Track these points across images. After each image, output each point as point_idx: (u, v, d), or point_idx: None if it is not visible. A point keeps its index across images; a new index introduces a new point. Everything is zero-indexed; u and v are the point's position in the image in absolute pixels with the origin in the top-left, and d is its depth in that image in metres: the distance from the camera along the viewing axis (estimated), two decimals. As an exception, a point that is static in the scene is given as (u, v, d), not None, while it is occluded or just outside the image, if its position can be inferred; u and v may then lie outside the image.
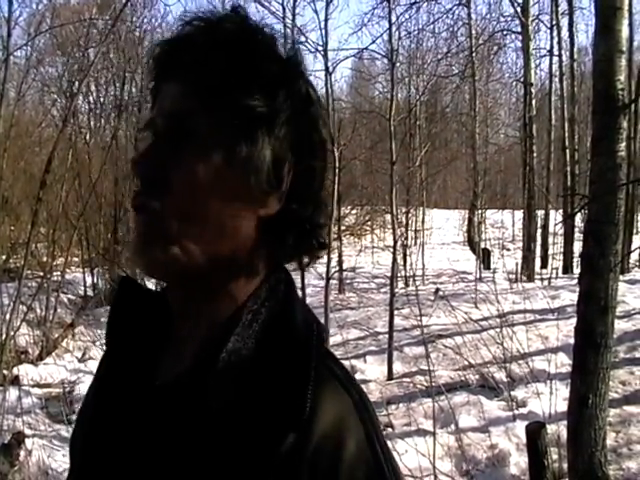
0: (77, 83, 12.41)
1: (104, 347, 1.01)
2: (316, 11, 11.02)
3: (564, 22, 17.79)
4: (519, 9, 16.17)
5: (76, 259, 13.10)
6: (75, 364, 8.56)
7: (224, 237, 0.87)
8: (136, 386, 0.90)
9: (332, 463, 0.79)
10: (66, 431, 6.08)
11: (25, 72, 14.88)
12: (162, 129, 0.88)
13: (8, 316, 5.76)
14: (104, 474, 0.89)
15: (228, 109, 0.86)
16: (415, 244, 17.44)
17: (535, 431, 4.88)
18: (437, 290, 11.60)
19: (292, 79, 0.90)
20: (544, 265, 16.36)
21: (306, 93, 0.92)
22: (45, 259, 11.35)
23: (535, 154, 16.01)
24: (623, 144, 3.73)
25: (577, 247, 15.57)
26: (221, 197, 0.86)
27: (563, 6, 17.70)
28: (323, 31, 10.39)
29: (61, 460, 5.41)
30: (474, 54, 17.34)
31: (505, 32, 18.57)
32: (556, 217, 17.32)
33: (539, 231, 16.59)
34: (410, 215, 17.21)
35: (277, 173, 0.88)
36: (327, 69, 10.17)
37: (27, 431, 5.75)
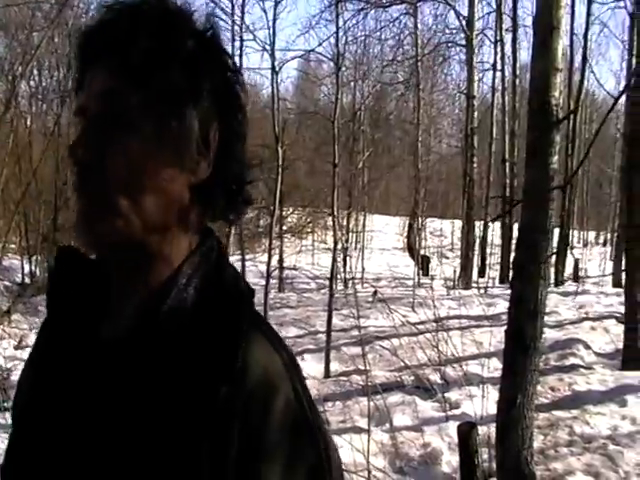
0: (20, 67, 12.15)
1: (45, 314, 1.04)
2: (264, 10, 11.09)
3: (508, 38, 18.22)
4: (464, 22, 16.47)
5: (13, 246, 12.84)
6: (11, 351, 8.42)
7: (160, 207, 0.91)
8: (78, 346, 0.94)
9: (262, 414, 0.84)
10: (2, 418, 5.97)
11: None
12: (92, 112, 0.91)
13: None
14: (50, 433, 0.92)
15: (153, 87, 0.90)
16: (355, 248, 17.61)
17: (466, 431, 5.00)
18: (375, 292, 11.73)
19: (210, 51, 0.95)
20: (482, 274, 16.68)
21: (224, 62, 0.97)
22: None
23: (476, 165, 16.30)
24: (556, 157, 3.87)
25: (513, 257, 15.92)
26: (155, 171, 0.90)
27: (507, 22, 18.11)
28: (271, 30, 10.45)
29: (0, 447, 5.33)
30: (419, 63, 17.59)
31: (450, 44, 18.90)
32: (494, 227, 17.67)
33: (477, 241, 16.90)
34: (351, 218, 17.36)
35: (205, 140, 0.94)
36: (274, 68, 10.23)
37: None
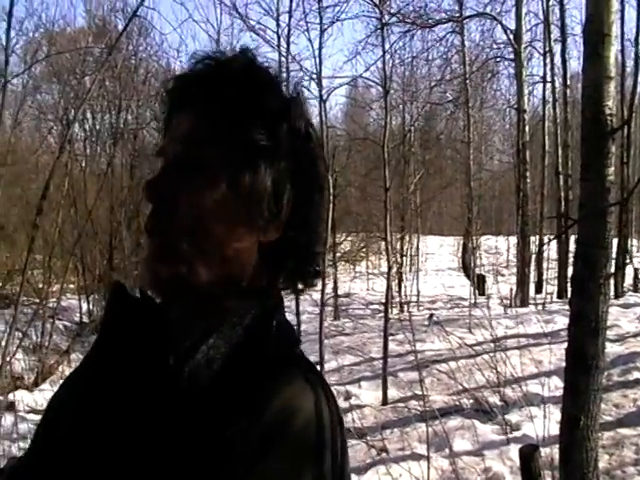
0: (73, 111, 12.48)
1: (95, 341, 1.07)
2: (310, 40, 11.16)
3: (557, 49, 17.94)
4: (512, 36, 16.30)
5: (72, 286, 13.11)
6: (70, 390, 8.55)
7: (226, 260, 0.95)
8: (125, 375, 0.96)
9: (272, 438, 0.84)
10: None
11: (22, 99, 14.99)
12: (172, 156, 0.96)
13: (4, 342, 5.75)
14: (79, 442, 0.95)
15: (234, 140, 0.94)
16: (410, 270, 17.49)
17: (529, 454, 4.87)
18: (431, 315, 11.62)
19: (293, 117, 0.98)
20: (538, 290, 16.39)
21: (305, 131, 1.00)
22: (41, 286, 11.36)
23: (529, 180, 16.06)
24: (612, 168, 3.75)
25: (571, 272, 15.59)
26: (225, 222, 0.94)
27: (556, 33, 17.84)
28: (317, 59, 10.49)
29: (56, 486, 5.39)
30: (468, 81, 17.47)
31: (498, 59, 18.71)
32: (550, 243, 17.37)
33: (533, 256, 16.63)
34: (405, 241, 17.27)
35: (277, 203, 0.96)
36: (321, 97, 10.27)
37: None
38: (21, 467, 1.05)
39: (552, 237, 15.30)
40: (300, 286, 1.05)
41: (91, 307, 12.44)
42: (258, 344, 0.94)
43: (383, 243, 19.54)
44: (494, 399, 6.91)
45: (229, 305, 0.96)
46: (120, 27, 15.61)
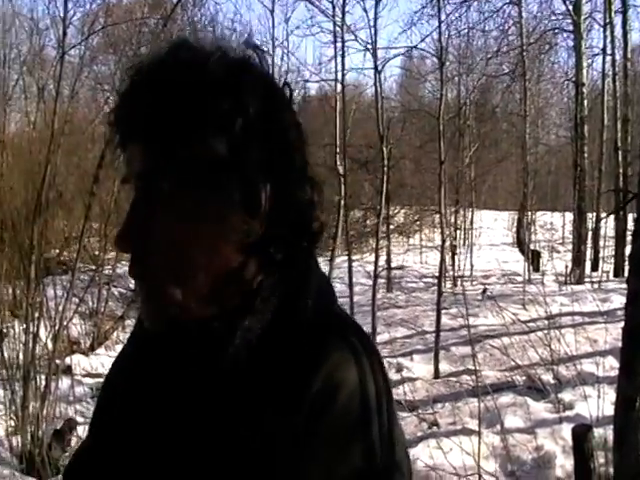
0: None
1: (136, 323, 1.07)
2: (365, 9, 11.04)
3: (617, 20, 17.40)
4: (571, 7, 15.89)
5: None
6: (125, 355, 8.71)
7: (213, 281, 0.90)
8: (165, 356, 0.95)
9: (318, 417, 0.83)
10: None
11: (79, 70, 15.13)
12: (135, 192, 0.90)
13: (61, 307, 5.87)
14: (126, 434, 0.96)
15: (188, 161, 0.86)
16: (464, 244, 17.33)
17: (582, 434, 4.81)
18: (485, 290, 11.51)
19: (247, 105, 0.88)
20: (595, 268, 16.10)
21: (269, 107, 0.90)
22: (97, 253, 11.55)
23: (586, 155, 15.73)
24: None
25: (629, 250, 15.24)
26: (203, 248, 0.88)
27: (617, 4, 17.26)
28: (372, 29, 10.38)
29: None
30: (525, 53, 17.10)
31: (557, 31, 18.24)
32: (607, 219, 17.02)
33: (590, 233, 16.33)
34: (459, 215, 17.10)
35: (253, 203, 0.89)
36: (376, 67, 10.17)
37: (78, 419, 5.87)
38: (81, 457, 1.07)
39: (609, 212, 14.98)
40: (306, 243, 0.97)
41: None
42: (292, 313, 0.91)
43: (437, 216, 19.43)
44: (547, 377, 6.83)
45: (237, 304, 0.92)
46: (174, -2, 15.70)
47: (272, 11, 17.94)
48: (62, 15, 5.70)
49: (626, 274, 13.07)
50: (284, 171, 0.91)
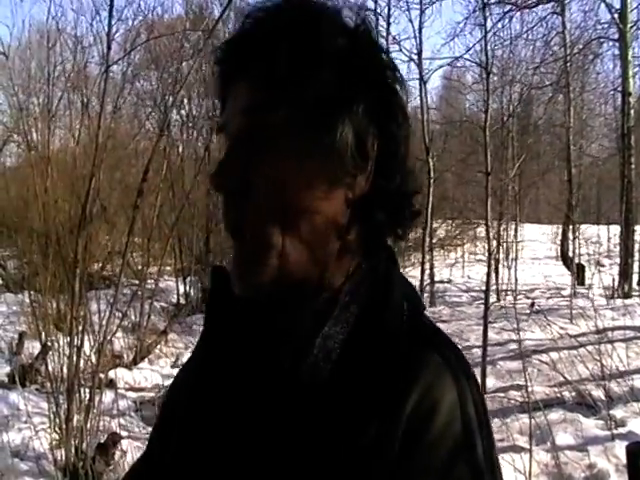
0: (171, 97, 12.66)
1: (203, 332, 1.01)
2: (411, 20, 11.02)
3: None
4: (617, 15, 15.65)
5: (168, 268, 13.35)
6: (168, 369, 8.72)
7: (317, 232, 0.85)
8: (237, 370, 0.90)
9: (419, 434, 0.77)
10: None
11: (121, 86, 15.33)
12: (236, 130, 0.86)
13: (105, 321, 5.89)
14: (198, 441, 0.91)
15: (301, 97, 0.83)
16: (506, 258, 17.11)
17: (636, 451, 4.67)
18: (533, 304, 11.32)
19: (362, 50, 0.87)
20: (641, 282, 15.79)
21: (379, 60, 0.89)
22: (140, 267, 11.63)
23: (633, 166, 15.46)
24: None
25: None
26: (307, 193, 0.84)
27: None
28: (417, 39, 10.36)
29: (154, 463, 5.50)
30: (568, 64, 16.90)
31: (602, 40, 17.98)
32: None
33: (637, 246, 16.02)
34: (502, 228, 16.90)
35: (361, 151, 0.86)
36: (422, 78, 10.12)
37: (122, 432, 5.87)
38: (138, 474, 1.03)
39: None
40: (399, 232, 0.94)
41: (187, 289, 12.67)
42: (378, 322, 0.85)
43: (478, 230, 19.22)
44: (598, 393, 6.67)
45: (332, 280, 0.88)
46: (216, 13, 15.81)
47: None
48: (106, 31, 5.73)
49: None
50: (389, 124, 0.88)
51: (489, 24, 11.66)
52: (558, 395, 6.88)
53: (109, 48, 5.75)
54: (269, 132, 0.83)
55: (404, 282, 0.93)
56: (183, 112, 17.46)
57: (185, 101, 17.17)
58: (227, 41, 0.90)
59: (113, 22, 5.69)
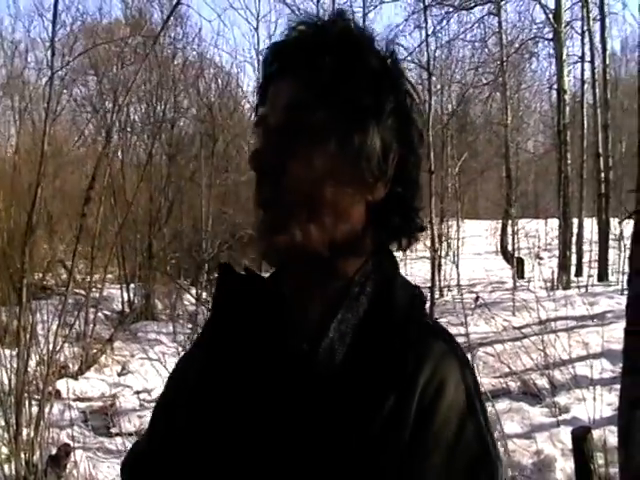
0: (119, 100, 12.43)
1: (210, 321, 1.08)
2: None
3: (596, 28, 17.57)
4: (551, 16, 16.01)
5: (110, 275, 13.14)
6: (115, 378, 8.62)
7: (339, 221, 0.95)
8: (250, 358, 0.97)
9: (430, 407, 0.88)
10: (109, 443, 6.12)
11: (60, 92, 15.08)
12: (277, 123, 0.95)
13: (53, 332, 5.82)
14: (212, 429, 0.96)
15: (340, 102, 0.94)
16: (447, 254, 17.32)
17: (581, 436, 4.82)
18: (477, 298, 11.48)
19: (394, 75, 0.99)
20: (578, 273, 16.17)
21: (405, 87, 1.01)
22: (83, 276, 11.46)
23: (569, 161, 15.83)
24: None
25: (612, 254, 15.37)
26: (336, 183, 0.94)
27: (595, 11, 17.40)
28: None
29: (106, 471, 5.46)
30: (505, 63, 17.22)
31: (537, 39, 18.40)
32: (592, 225, 17.14)
33: (574, 239, 16.41)
34: (443, 225, 17.11)
35: (385, 160, 0.96)
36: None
37: (71, 443, 5.79)
38: (144, 457, 1.07)
39: (628, 215, 14.87)
40: (404, 243, 1.04)
41: (132, 296, 12.50)
42: (386, 311, 0.95)
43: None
44: (542, 382, 6.85)
45: (346, 270, 0.98)
46: (156, 17, 15.68)
47: (256, 29, 18.13)
48: (50, 36, 5.68)
49: (610, 278, 13.15)
50: (409, 141, 1.00)
51: (432, 25, 11.83)
52: (504, 385, 7.03)
53: (53, 54, 5.74)
54: (307, 129, 0.93)
55: (407, 281, 1.02)
56: (122, 118, 17.27)
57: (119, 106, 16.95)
58: (277, 41, 1.01)
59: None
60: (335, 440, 0.87)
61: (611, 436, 4.78)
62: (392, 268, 1.02)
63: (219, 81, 16.81)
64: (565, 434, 5.29)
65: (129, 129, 16.89)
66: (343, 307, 0.94)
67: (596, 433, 4.96)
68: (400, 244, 1.04)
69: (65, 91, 17.22)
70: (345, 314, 0.94)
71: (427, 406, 0.87)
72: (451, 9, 15.76)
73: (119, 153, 15.63)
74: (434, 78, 15.96)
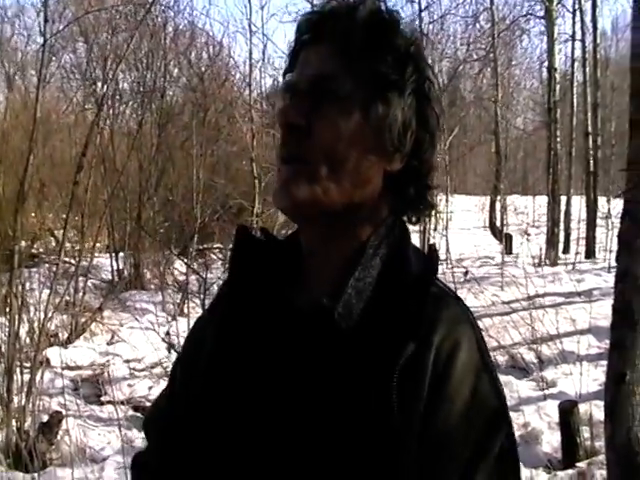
0: (113, 67, 12.26)
1: (225, 284, 1.13)
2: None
3: (587, 6, 17.54)
4: (543, -8, 15.93)
5: (98, 244, 13.06)
6: (104, 347, 8.60)
7: (358, 184, 0.99)
8: (270, 313, 1.02)
9: (447, 366, 0.93)
10: (100, 411, 6.14)
11: (49, 59, 14.90)
12: (306, 87, 1.00)
13: (45, 299, 5.80)
14: (228, 390, 1.01)
15: (367, 73, 0.98)
16: (435, 229, 17.33)
17: (567, 409, 4.91)
18: (467, 272, 11.53)
19: (417, 58, 1.04)
20: (566, 250, 16.26)
21: (427, 74, 1.05)
22: (72, 245, 11.40)
23: (559, 139, 15.86)
24: None
25: (599, 232, 15.46)
26: (358, 149, 0.98)
27: (587, -11, 17.40)
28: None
29: (97, 439, 5.48)
30: (496, 39, 17.17)
31: (528, 16, 18.35)
32: (580, 203, 17.21)
33: (562, 216, 16.48)
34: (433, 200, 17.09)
35: (404, 134, 1.01)
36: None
37: (62, 411, 5.80)
38: (165, 416, 1.14)
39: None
40: (414, 218, 1.10)
41: (121, 265, 12.44)
42: (400, 273, 0.99)
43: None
44: (530, 356, 6.92)
45: (361, 233, 1.02)
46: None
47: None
48: (42, 1, 5.63)
49: (597, 256, 13.24)
50: (426, 120, 1.04)
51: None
52: (492, 359, 7.09)
53: (46, 21, 5.68)
54: (335, 95, 0.97)
55: (419, 248, 1.08)
56: (112, 85, 17.10)
57: (111, 74, 16.77)
58: (313, 11, 1.06)
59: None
60: (356, 390, 0.91)
61: (597, 410, 4.85)
62: (404, 235, 1.06)
63: (210, 50, 16.62)
64: (552, 408, 5.37)
65: (118, 97, 16.75)
66: (360, 265, 0.98)
67: (582, 407, 5.05)
68: (410, 218, 1.09)
69: (54, 58, 17.04)
70: (362, 272, 0.98)
71: (444, 362, 0.92)
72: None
73: (108, 121, 15.51)
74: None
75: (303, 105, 0.98)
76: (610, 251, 10.76)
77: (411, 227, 1.11)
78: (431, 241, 15.49)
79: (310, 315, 0.98)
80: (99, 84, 13.78)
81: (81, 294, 9.92)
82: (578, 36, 17.86)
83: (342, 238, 1.02)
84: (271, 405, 0.96)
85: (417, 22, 10.39)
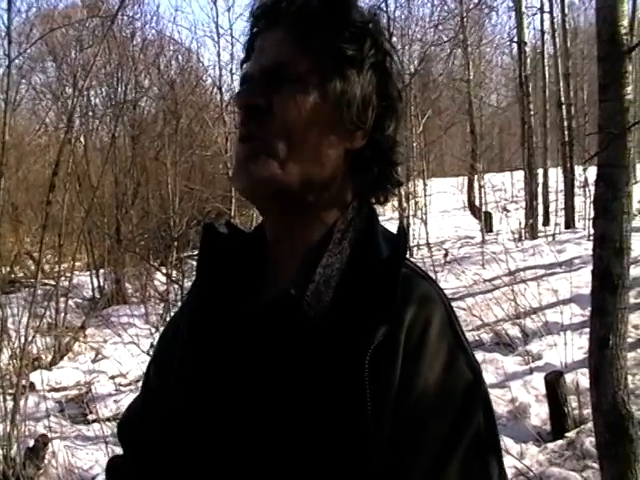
0: (79, 84, 12.17)
1: (195, 282, 1.13)
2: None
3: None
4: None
5: (78, 263, 12.97)
6: (89, 365, 8.54)
7: (317, 163, 0.99)
8: (239, 309, 1.01)
9: (419, 342, 0.91)
10: (87, 430, 6.09)
11: (19, 81, 14.80)
12: (264, 68, 0.99)
13: (24, 326, 5.76)
14: (208, 393, 0.99)
15: (324, 50, 0.98)
16: (415, 214, 17.36)
17: (554, 380, 4.91)
18: (446, 254, 11.54)
19: (376, 33, 1.03)
20: (546, 222, 16.28)
21: (386, 48, 1.04)
22: (51, 266, 11.32)
23: (532, 112, 15.87)
24: (630, 87, 3.72)
25: (577, 202, 15.50)
26: (317, 127, 0.98)
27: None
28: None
29: (85, 458, 5.44)
30: (465, 19, 17.15)
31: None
32: (557, 174, 17.24)
33: (540, 188, 16.50)
34: (410, 185, 17.10)
35: (364, 110, 1.01)
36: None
37: (48, 434, 5.75)
38: (138, 416, 1.15)
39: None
40: (382, 197, 1.08)
41: (101, 282, 12.36)
42: (369, 256, 0.98)
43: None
44: (514, 331, 6.92)
45: (327, 217, 1.02)
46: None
47: (215, 1, 17.78)
48: (6, 24, 5.66)
49: (577, 225, 13.28)
50: (388, 97, 1.04)
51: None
52: (477, 338, 7.06)
53: (10, 42, 5.68)
54: (293, 74, 0.97)
55: (387, 230, 1.06)
56: (83, 101, 16.99)
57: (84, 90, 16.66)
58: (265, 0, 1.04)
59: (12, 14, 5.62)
60: (328, 378, 0.90)
61: (583, 378, 4.83)
62: (372, 217, 1.05)
63: (179, 57, 16.56)
64: (538, 381, 5.37)
65: (91, 113, 16.65)
66: (327, 252, 0.98)
67: (568, 377, 5.06)
68: (378, 198, 1.08)
69: (24, 80, 16.96)
70: (329, 258, 0.97)
71: (416, 341, 0.91)
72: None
73: (82, 138, 15.41)
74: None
75: (262, 86, 0.98)
76: (589, 219, 10.76)
77: (391, 215, 1.07)
78: (411, 227, 15.57)
79: (278, 306, 0.96)
80: (69, 102, 13.65)
81: (63, 314, 9.87)
82: (546, 8, 17.87)
83: (307, 223, 1.02)
84: (241, 401, 0.95)
85: (384, 7, 10.25)
